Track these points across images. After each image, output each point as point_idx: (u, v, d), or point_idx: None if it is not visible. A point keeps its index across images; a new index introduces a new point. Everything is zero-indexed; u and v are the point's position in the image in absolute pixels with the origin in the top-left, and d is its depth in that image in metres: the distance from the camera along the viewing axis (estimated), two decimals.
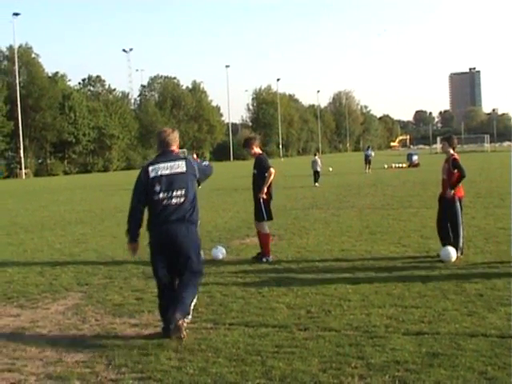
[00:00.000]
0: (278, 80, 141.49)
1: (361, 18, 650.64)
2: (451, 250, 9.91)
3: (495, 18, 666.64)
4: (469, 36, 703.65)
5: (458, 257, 9.83)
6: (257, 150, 10.96)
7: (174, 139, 6.84)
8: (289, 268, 9.91)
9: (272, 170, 10.70)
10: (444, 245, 10.17)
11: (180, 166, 6.58)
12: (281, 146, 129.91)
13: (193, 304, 6.61)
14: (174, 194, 6.48)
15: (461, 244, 10.19)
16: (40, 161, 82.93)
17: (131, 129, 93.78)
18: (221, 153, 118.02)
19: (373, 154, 45.87)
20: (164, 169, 6.55)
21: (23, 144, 73.95)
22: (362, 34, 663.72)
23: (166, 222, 6.52)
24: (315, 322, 6.72)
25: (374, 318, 6.80)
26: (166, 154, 6.73)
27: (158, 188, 6.47)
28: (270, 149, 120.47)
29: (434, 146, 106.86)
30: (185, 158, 6.79)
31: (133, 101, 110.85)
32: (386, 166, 51.34)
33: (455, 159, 10.42)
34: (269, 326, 6.68)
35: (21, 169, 72.67)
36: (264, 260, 10.57)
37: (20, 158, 73.18)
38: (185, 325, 6.30)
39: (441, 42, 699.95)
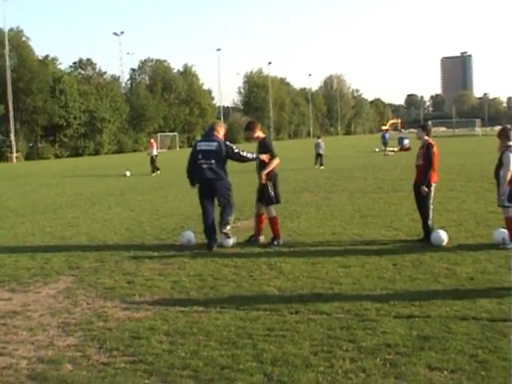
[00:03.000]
0: (270, 63, 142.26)
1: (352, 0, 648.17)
2: (442, 233, 9.94)
3: (487, 3, 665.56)
4: (460, 20, 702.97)
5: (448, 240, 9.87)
6: (260, 133, 10.91)
7: (218, 127, 10.72)
8: (280, 251, 9.91)
9: (278, 159, 10.71)
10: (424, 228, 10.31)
11: (212, 146, 10.38)
12: (272, 130, 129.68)
13: (231, 218, 10.54)
14: (209, 161, 10.27)
15: (431, 225, 10.24)
16: (31, 144, 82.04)
17: (122, 112, 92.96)
18: None
19: (387, 136, 48.99)
20: (204, 146, 10.54)
21: (14, 127, 73.20)
22: (354, 17, 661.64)
23: (206, 178, 10.36)
24: (306, 306, 6.73)
25: (365, 301, 6.82)
26: (208, 136, 10.84)
27: (200, 157, 10.38)
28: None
29: None
30: (217, 141, 10.42)
31: (123, 84, 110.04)
32: (377, 150, 51.35)
33: (430, 144, 10.38)
34: (260, 309, 6.69)
35: (12, 152, 72.07)
36: (275, 243, 10.51)
37: (11, 141, 72.50)
38: (225, 230, 10.34)
39: (432, 26, 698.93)
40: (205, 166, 10.34)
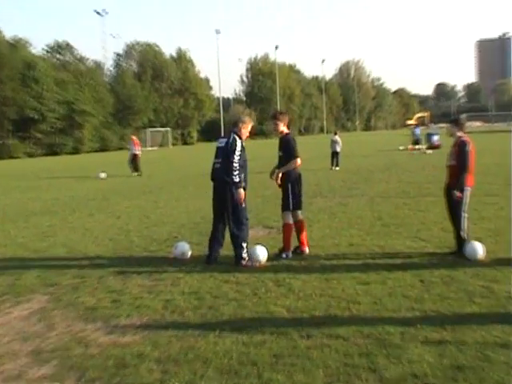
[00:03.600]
0: (277, 48, 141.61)
1: None
2: (477, 245, 9.92)
3: None
4: None
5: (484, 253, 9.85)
6: (284, 128, 10.91)
7: (239, 122, 10.65)
8: (289, 266, 9.92)
9: (299, 160, 10.68)
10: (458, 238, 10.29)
11: (223, 142, 10.43)
12: None
13: (244, 245, 10.21)
14: (217, 160, 10.41)
15: (464, 236, 10.21)
16: None
17: (106, 104, 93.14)
18: (210, 132, 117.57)
19: (418, 132, 48.81)
20: (219, 142, 10.64)
21: None
22: None
23: (213, 179, 10.49)
24: (320, 329, 6.73)
25: (387, 323, 6.81)
26: (227, 132, 10.82)
27: (215, 155, 10.54)
28: (266, 127, 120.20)
29: None
30: (228, 137, 10.40)
31: (107, 72, 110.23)
32: (401, 148, 51.35)
33: (464, 142, 10.23)
34: (266, 332, 6.69)
35: None
36: (283, 256, 10.58)
37: None
38: (243, 262, 10.10)
39: (467, 3, 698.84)
40: (215, 165, 10.45)
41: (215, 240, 10.45)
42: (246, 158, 10.52)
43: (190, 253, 10.80)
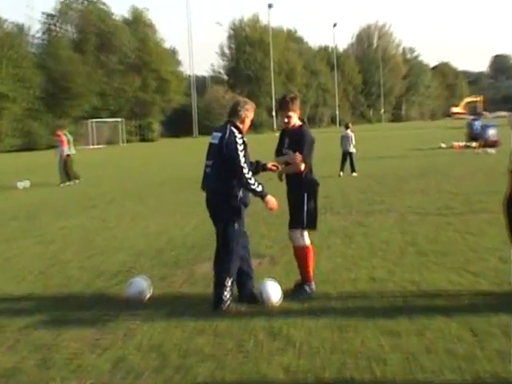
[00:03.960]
0: (271, 7, 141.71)
1: None
2: None
3: None
4: None
5: None
6: (297, 119, 10.84)
7: (239, 107, 10.31)
8: (288, 309, 9.94)
9: (303, 166, 10.59)
10: None
11: (216, 138, 10.19)
12: (274, 114, 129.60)
13: (228, 284, 10.01)
14: (208, 162, 10.27)
15: None
16: None
17: (32, 84, 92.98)
18: (178, 123, 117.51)
19: (478, 125, 50.55)
20: (212, 137, 10.37)
21: None
22: None
23: (203, 187, 10.43)
24: None
25: None
26: (223, 123, 10.50)
27: (206, 155, 10.37)
28: (257, 117, 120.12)
29: None
30: (224, 131, 10.12)
31: (34, 40, 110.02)
32: (443, 146, 51.40)
33: None
34: None
35: None
36: (307, 290, 10.64)
37: None
38: (223, 306, 9.94)
39: None
40: (206, 169, 10.31)
41: (239, 272, 10.40)
42: (250, 159, 10.38)
43: (150, 291, 10.77)
